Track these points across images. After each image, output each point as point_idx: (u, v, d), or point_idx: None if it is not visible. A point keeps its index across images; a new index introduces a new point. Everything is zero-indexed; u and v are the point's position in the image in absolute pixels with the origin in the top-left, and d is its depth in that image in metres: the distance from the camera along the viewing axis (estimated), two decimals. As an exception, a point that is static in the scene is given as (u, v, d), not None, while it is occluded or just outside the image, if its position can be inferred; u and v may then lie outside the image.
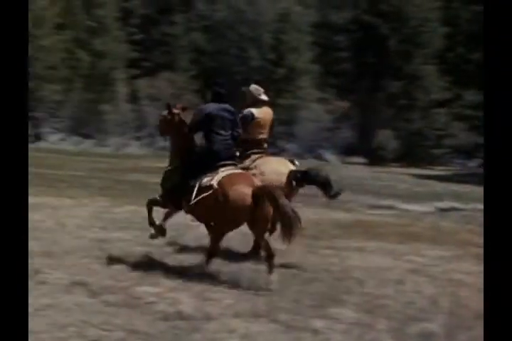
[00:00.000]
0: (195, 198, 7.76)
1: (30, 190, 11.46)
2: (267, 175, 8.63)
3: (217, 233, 7.86)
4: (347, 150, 47.55)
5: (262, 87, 9.38)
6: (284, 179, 8.67)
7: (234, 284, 7.48)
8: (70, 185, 17.38)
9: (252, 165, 8.86)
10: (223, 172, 7.78)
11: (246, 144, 8.93)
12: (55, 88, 42.76)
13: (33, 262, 7.90)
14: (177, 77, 47.97)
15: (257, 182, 7.75)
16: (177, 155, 8.44)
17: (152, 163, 29.55)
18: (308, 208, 15.01)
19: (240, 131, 8.39)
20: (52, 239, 9.46)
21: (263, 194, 7.44)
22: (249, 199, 7.42)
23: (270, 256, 7.61)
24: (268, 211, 7.48)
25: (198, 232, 9.75)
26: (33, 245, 8.91)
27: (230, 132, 8.22)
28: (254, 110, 9.14)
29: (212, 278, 7.62)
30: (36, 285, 7.01)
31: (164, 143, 45.96)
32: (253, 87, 9.39)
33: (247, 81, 48.89)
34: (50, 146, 38.90)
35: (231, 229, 7.88)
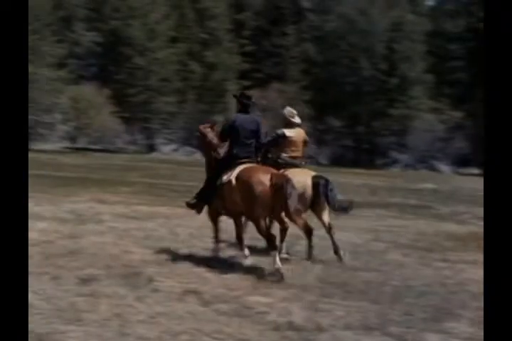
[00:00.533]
0: (218, 194, 8.79)
1: (144, 200, 11.73)
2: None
3: (255, 221, 8.48)
4: (461, 161, 46.58)
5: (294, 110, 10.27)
6: (307, 185, 9.42)
7: (345, 295, 7.40)
8: (182, 195, 17.61)
9: None
10: (239, 168, 8.61)
11: (280, 159, 9.96)
12: (169, 100, 43.65)
13: (147, 270, 8.03)
14: (288, 87, 48.15)
15: (274, 170, 8.62)
16: (210, 166, 9.44)
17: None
18: (420, 220, 14.72)
19: (264, 140, 9.26)
20: (165, 247, 9.59)
21: (279, 180, 8.24)
22: (267, 183, 8.19)
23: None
24: (285, 193, 8.16)
25: (304, 245, 9.69)
26: (146, 253, 9.11)
27: (252, 141, 9.03)
28: (286, 130, 10.04)
29: (322, 289, 7.56)
30: (149, 293, 7.11)
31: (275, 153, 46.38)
32: (287, 110, 10.33)
33: (359, 91, 48.60)
34: (162, 157, 39.67)
35: (262, 213, 8.43)
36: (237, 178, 8.48)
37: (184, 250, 9.55)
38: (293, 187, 8.32)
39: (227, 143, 9.17)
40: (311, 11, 53.63)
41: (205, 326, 6.09)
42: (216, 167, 9.12)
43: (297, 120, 10.20)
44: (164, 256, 8.97)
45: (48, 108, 42.05)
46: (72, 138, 46.69)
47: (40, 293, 6.94)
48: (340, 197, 9.86)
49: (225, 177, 8.69)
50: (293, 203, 8.30)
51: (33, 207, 13.09)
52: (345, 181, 26.31)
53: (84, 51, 58.21)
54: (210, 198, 9.06)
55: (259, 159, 9.29)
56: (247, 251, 9.01)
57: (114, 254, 8.97)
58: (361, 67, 48.64)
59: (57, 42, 44.82)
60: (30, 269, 7.93)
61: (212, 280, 7.83)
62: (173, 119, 44.38)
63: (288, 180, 8.31)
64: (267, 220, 8.75)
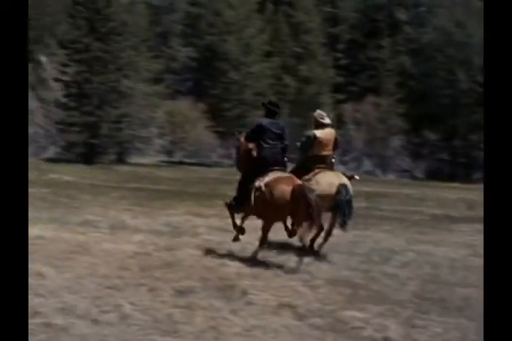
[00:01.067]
0: (253, 198, 9.68)
1: (239, 214, 11.75)
2: (320, 185, 10.26)
3: (266, 223, 9.65)
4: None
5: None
6: (333, 189, 10.25)
7: (442, 311, 7.24)
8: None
9: (312, 177, 10.50)
10: (270, 176, 9.56)
11: (312, 159, 10.80)
12: (263, 114, 43.86)
13: (242, 283, 8.06)
14: (383, 100, 47.73)
15: (297, 181, 9.52)
16: (242, 169, 10.52)
17: (358, 186, 29.50)
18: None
19: (287, 142, 10.15)
20: (261, 260, 9.59)
21: (300, 190, 9.16)
22: (288, 195, 9.16)
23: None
24: (304, 203, 9.04)
25: (403, 258, 9.56)
26: (240, 267, 9.13)
27: (277, 142, 10.02)
28: (316, 131, 10.89)
29: (419, 305, 7.43)
30: (244, 306, 7.13)
31: (370, 167, 45.71)
32: (318, 112, 11.32)
33: (456, 104, 47.61)
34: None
35: (277, 220, 9.70)
36: (266, 185, 9.49)
37: (279, 263, 9.54)
38: (313, 197, 9.14)
39: (255, 145, 10.09)
40: (407, 23, 53.12)
41: (300, 340, 6.06)
42: (250, 171, 10.01)
43: (327, 121, 11.08)
44: (259, 269, 8.98)
45: (145, 122, 42.87)
46: (168, 152, 47.42)
47: (138, 304, 7.04)
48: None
49: (257, 183, 9.64)
50: (314, 213, 9.07)
51: (130, 220, 13.37)
52: (442, 195, 25.86)
53: (180, 66, 59.21)
54: (245, 200, 9.92)
55: (286, 159, 10.20)
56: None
57: (210, 267, 9.03)
58: (458, 80, 47.83)
59: (153, 58, 45.70)
60: (127, 281, 8.09)
61: (306, 294, 7.79)
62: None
63: (308, 191, 9.25)
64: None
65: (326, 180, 10.40)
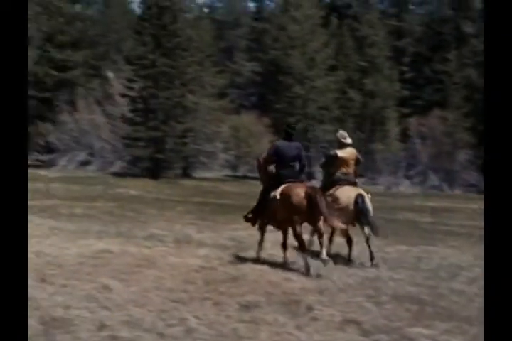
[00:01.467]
0: (269, 209, 10.41)
1: (304, 228, 11.73)
2: (340, 198, 11.16)
3: (293, 230, 10.23)
4: None
5: None
6: (352, 200, 11.05)
7: None
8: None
9: (333, 192, 11.30)
10: (284, 185, 10.26)
11: (336, 178, 11.60)
12: (327, 128, 43.74)
13: (307, 298, 8.02)
14: (449, 114, 47.13)
15: (309, 185, 10.58)
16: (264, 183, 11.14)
17: (423, 201, 29.15)
18: None
19: (305, 163, 10.90)
20: (325, 276, 9.54)
21: (312, 192, 9.94)
22: (302, 195, 9.89)
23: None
24: (318, 204, 9.80)
25: (471, 274, 9.40)
26: (305, 282, 9.10)
27: (295, 163, 10.74)
28: (338, 151, 11.71)
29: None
30: (309, 322, 7.08)
31: (436, 181, 45.05)
32: (340, 133, 12.03)
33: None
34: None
35: (298, 220, 10.08)
36: (280, 193, 10.19)
37: (343, 279, 9.47)
38: (323, 197, 10.00)
39: (274, 165, 10.82)
40: (474, 36, 52.49)
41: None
42: (267, 186, 10.76)
43: (348, 141, 11.82)
44: (324, 285, 8.93)
45: (210, 137, 43.19)
46: (233, 167, 47.65)
47: (203, 318, 7.06)
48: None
49: (272, 194, 10.37)
50: (324, 210, 9.83)
51: (195, 234, 13.44)
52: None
53: (245, 81, 59.61)
54: (262, 212, 10.69)
55: (302, 177, 10.92)
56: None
57: (275, 281, 9.02)
58: (526, 93, 47.00)
59: (218, 73, 46.09)
60: (192, 295, 8.12)
61: (372, 310, 7.71)
62: (332, 147, 44.50)
63: (318, 192, 10.10)
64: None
65: (345, 194, 11.21)
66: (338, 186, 11.42)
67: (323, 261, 9.68)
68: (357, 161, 11.90)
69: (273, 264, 10.28)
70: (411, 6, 57.32)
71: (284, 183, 10.33)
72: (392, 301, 8.12)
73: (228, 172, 46.29)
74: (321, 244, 9.99)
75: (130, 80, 39.68)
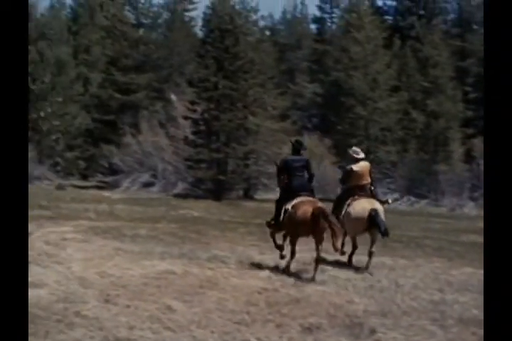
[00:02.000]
0: (282, 218, 11.67)
1: (366, 250, 11.59)
2: (356, 209, 12.47)
3: (292, 238, 11.50)
4: None
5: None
6: (366, 213, 12.26)
7: None
8: (405, 245, 17.35)
9: (350, 203, 12.63)
10: (297, 200, 11.50)
11: (352, 189, 12.93)
12: (390, 149, 43.45)
13: (370, 321, 7.92)
14: None
15: (318, 204, 11.44)
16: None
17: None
18: None
19: (313, 173, 12.30)
20: (389, 298, 9.43)
21: (319, 211, 11.07)
22: (309, 215, 11.06)
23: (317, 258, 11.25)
24: (323, 223, 11.05)
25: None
26: (368, 304, 9.00)
27: (303, 173, 12.08)
28: (353, 165, 13.00)
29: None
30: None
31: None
32: (353, 149, 13.33)
33: None
34: (384, 206, 39.37)
35: (301, 235, 11.43)
36: (292, 207, 11.45)
37: (407, 302, 9.34)
38: (328, 215, 11.28)
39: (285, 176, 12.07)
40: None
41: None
42: (283, 196, 12.09)
43: (361, 155, 13.13)
44: (387, 307, 8.82)
45: (271, 159, 43.21)
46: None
47: (265, 340, 7.03)
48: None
49: (287, 206, 11.59)
50: (333, 226, 11.14)
51: (257, 256, 13.43)
52: None
53: (306, 102, 59.65)
54: (280, 221, 11.83)
55: (312, 186, 12.22)
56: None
57: (337, 304, 8.94)
58: None
59: (280, 95, 46.19)
60: (255, 316, 8.10)
61: (437, 334, 7.59)
62: (395, 168, 44.07)
63: (325, 211, 11.23)
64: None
65: (361, 206, 12.44)
66: (355, 197, 12.70)
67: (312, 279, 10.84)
68: (371, 173, 13.27)
69: (335, 286, 10.20)
70: (474, 26, 56.72)
71: (297, 196, 11.65)
72: (457, 325, 7.97)
73: (290, 193, 46.23)
74: (316, 263, 11.16)
75: (192, 103, 40.03)
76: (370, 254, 12.46)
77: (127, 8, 50.73)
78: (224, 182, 38.61)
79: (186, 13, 58.06)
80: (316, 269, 11.09)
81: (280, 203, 12.03)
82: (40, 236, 14.05)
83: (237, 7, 48.12)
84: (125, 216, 21.14)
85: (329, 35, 62.85)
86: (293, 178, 11.99)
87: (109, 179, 41.86)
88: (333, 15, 66.92)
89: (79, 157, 44.92)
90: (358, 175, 12.95)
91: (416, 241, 18.49)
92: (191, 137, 40.18)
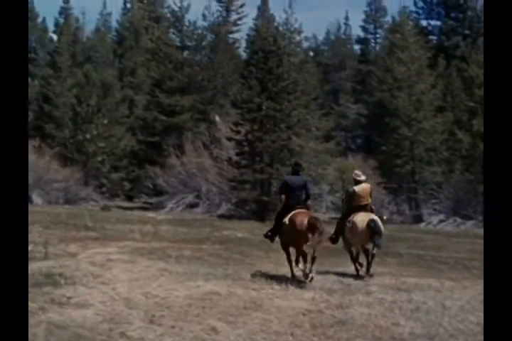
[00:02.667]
0: (281, 231, 12.97)
1: (412, 272, 11.47)
2: (356, 221, 13.65)
3: (296, 245, 12.59)
4: None
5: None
6: (365, 223, 13.47)
7: None
8: (452, 267, 17.15)
9: (351, 218, 13.80)
10: (293, 212, 12.64)
11: (355, 208, 13.94)
12: (435, 170, 43.09)
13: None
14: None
15: (312, 214, 12.92)
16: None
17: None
18: None
19: (310, 192, 13.99)
20: (435, 321, 9.30)
21: (313, 220, 12.24)
22: (306, 224, 12.19)
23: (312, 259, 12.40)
24: (320, 226, 12.18)
25: None
26: (414, 327, 8.89)
27: (301, 193, 13.24)
28: (355, 187, 14.11)
29: None
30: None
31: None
32: (355, 172, 14.58)
33: None
34: (430, 227, 39.03)
35: (301, 243, 12.35)
36: (289, 219, 12.57)
37: (454, 324, 9.21)
38: (320, 224, 12.37)
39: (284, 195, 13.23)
40: None
41: None
42: (282, 211, 13.21)
43: (363, 178, 14.31)
44: (434, 330, 8.70)
45: (315, 179, 43.15)
46: (339, 209, 47.33)
47: (309, 362, 6.98)
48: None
49: (284, 220, 12.75)
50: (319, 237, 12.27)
51: (300, 277, 13.36)
52: None
53: (351, 123, 59.57)
54: (277, 233, 13.23)
55: (308, 203, 13.56)
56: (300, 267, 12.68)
57: (383, 326, 8.85)
58: None
59: (323, 116, 46.21)
60: (299, 338, 8.05)
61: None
62: (440, 189, 43.69)
63: (318, 220, 12.42)
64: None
65: (360, 219, 13.64)
66: (355, 213, 13.83)
67: (305, 276, 12.30)
68: (371, 193, 14.43)
69: (381, 308, 10.10)
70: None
71: (293, 209, 12.75)
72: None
73: (334, 214, 46.06)
74: (312, 260, 12.39)
75: (236, 124, 40.18)
76: (373, 256, 13.74)
77: (172, 30, 51.29)
78: (268, 203, 38.54)
79: (230, 35, 58.59)
80: (312, 265, 12.41)
81: (279, 217, 13.19)
82: (85, 257, 14.18)
83: (280, 28, 48.44)
84: (170, 237, 21.24)
85: (373, 56, 62.86)
86: (291, 196, 13.08)
87: (153, 200, 42.15)
88: (377, 35, 67.04)
89: (124, 178, 45.37)
90: (359, 195, 14.05)
91: (463, 262, 18.25)
92: (235, 158, 40.32)
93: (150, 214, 34.83)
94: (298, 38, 55.01)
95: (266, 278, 12.88)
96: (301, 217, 12.46)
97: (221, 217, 37.55)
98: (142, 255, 15.12)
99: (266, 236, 13.74)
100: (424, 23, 58.29)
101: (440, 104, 45.83)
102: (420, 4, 58.34)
